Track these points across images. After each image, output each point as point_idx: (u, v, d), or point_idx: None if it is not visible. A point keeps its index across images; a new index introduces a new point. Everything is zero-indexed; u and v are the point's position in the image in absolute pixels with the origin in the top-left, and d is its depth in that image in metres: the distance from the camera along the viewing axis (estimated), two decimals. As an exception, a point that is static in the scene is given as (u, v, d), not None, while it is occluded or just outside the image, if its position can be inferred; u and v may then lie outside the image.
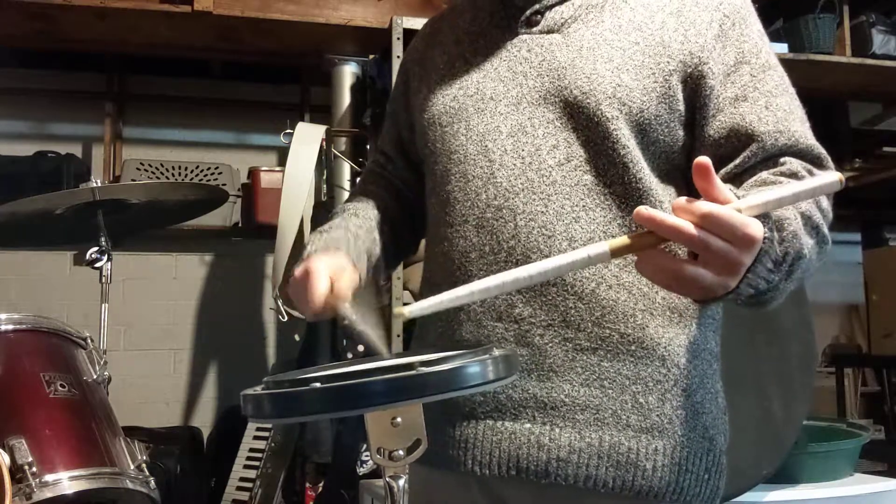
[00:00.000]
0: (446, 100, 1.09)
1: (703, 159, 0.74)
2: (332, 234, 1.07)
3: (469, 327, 1.01)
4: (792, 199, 0.76)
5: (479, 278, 0.99)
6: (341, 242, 1.05)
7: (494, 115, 1.03)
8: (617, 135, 0.97)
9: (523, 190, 0.99)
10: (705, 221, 0.73)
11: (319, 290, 0.95)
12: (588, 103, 0.98)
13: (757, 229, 0.74)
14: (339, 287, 0.97)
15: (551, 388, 0.97)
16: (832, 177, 0.74)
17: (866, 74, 3.22)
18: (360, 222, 1.12)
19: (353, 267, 1.03)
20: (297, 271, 1.00)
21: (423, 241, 1.23)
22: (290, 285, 1.01)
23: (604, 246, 0.75)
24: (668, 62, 0.99)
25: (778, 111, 0.97)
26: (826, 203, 0.92)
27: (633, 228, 0.98)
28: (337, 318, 0.95)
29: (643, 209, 0.74)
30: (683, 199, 0.75)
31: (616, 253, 0.75)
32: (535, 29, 1.06)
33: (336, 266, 1.00)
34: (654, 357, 0.97)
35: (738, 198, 0.76)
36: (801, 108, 1.00)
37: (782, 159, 0.95)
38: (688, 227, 0.73)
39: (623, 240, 0.76)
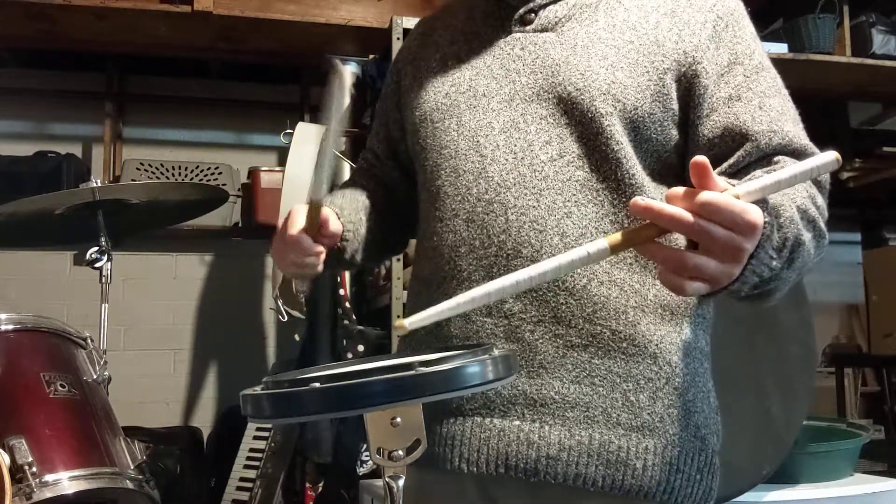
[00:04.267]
0: (438, 96, 1.09)
1: (701, 158, 0.73)
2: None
3: (458, 322, 1.01)
4: (789, 181, 0.75)
5: (469, 273, 1.00)
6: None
7: (487, 112, 1.03)
8: (610, 131, 0.97)
9: (515, 185, 0.99)
10: (704, 209, 0.72)
11: (297, 223, 0.99)
12: (582, 99, 0.98)
13: (757, 214, 0.74)
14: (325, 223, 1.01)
15: (541, 384, 0.97)
16: (829, 156, 0.74)
17: (866, 74, 3.22)
18: (345, 203, 1.14)
19: (336, 216, 1.06)
20: (279, 226, 1.03)
21: (412, 241, 1.24)
22: (273, 242, 1.04)
23: (602, 243, 0.75)
24: (663, 61, 0.99)
25: (771, 111, 0.97)
26: (821, 200, 0.93)
27: (626, 225, 0.99)
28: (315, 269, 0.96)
29: (639, 199, 0.74)
30: (680, 188, 0.75)
31: (615, 248, 0.75)
32: (528, 27, 1.06)
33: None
34: (646, 354, 0.97)
35: (734, 186, 0.76)
36: (795, 109, 1.01)
37: (776, 158, 0.95)
38: (686, 215, 0.73)
39: (620, 235, 0.75)
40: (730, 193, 0.74)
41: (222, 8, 2.85)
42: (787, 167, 0.76)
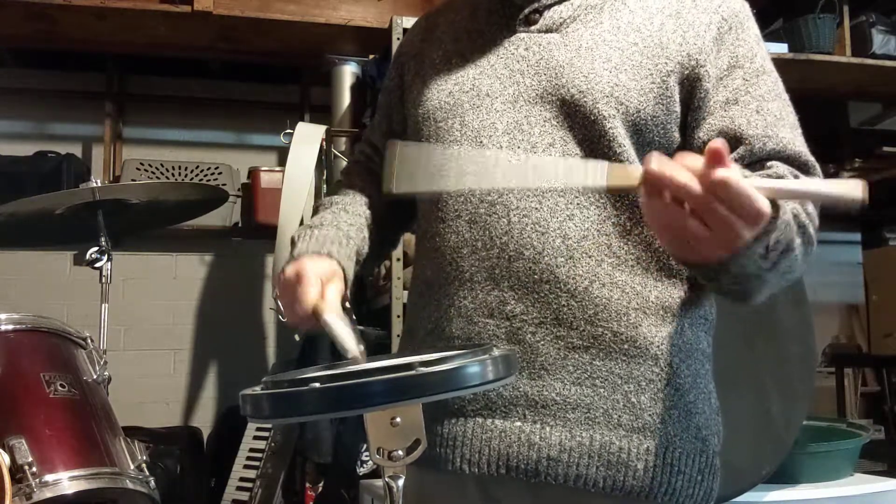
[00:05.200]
0: (441, 95, 1.08)
1: (718, 145, 0.72)
2: (322, 232, 1.07)
3: (459, 324, 1.01)
4: (804, 195, 0.74)
5: (472, 274, 1.00)
6: (333, 244, 1.06)
7: (490, 112, 1.03)
8: (613, 133, 0.97)
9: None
10: (717, 186, 0.71)
11: (310, 296, 0.95)
12: (585, 102, 0.98)
13: (766, 206, 0.73)
14: (329, 296, 0.97)
15: (542, 386, 0.96)
16: (856, 192, 0.69)
17: (866, 74, 3.22)
18: (351, 220, 1.12)
19: (343, 273, 1.03)
20: (288, 271, 0.99)
21: (407, 237, 1.22)
22: (280, 285, 1.01)
23: (603, 175, 0.75)
24: (666, 63, 0.99)
25: (768, 116, 0.97)
26: (812, 207, 0.92)
27: (629, 227, 0.99)
28: (325, 330, 0.95)
29: (654, 164, 0.73)
30: (699, 159, 0.73)
31: (612, 188, 0.75)
32: (533, 28, 1.05)
33: (327, 273, 1.00)
34: (647, 356, 0.97)
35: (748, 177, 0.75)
36: (794, 114, 1.00)
37: (769, 163, 0.95)
38: (696, 187, 0.72)
39: (617, 169, 0.75)
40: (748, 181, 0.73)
41: (222, 8, 2.86)
42: (807, 180, 0.75)
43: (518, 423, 0.97)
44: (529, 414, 0.97)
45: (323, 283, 0.98)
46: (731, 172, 0.72)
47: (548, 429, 0.96)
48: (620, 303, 0.97)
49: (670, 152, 1.00)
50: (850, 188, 0.69)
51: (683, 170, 0.73)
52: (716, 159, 0.72)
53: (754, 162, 0.95)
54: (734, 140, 0.96)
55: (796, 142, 0.97)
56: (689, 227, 0.74)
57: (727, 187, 0.71)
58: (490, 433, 0.98)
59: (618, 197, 0.98)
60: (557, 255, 0.96)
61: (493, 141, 1.02)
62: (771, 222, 0.77)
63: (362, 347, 0.89)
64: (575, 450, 0.95)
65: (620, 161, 0.97)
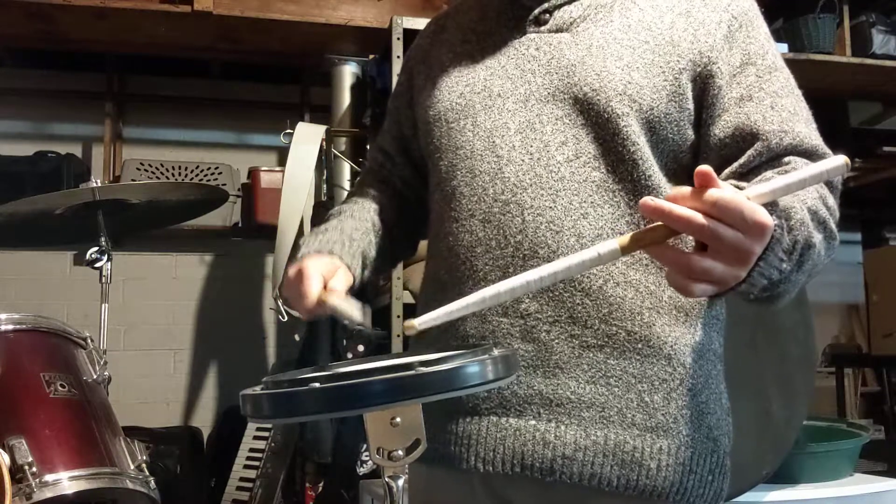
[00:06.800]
0: (453, 96, 1.08)
1: (705, 167, 0.73)
2: (326, 236, 1.08)
3: (474, 322, 1.01)
4: (799, 184, 0.75)
5: (485, 273, 1.00)
6: (335, 245, 1.06)
7: (502, 112, 1.03)
8: (627, 131, 0.97)
9: (531, 185, 0.99)
10: (714, 209, 0.72)
11: (313, 288, 0.96)
12: (598, 100, 0.98)
13: (766, 216, 0.74)
14: (333, 285, 0.99)
15: (557, 384, 0.97)
16: (838, 160, 0.73)
17: (866, 74, 3.23)
18: (356, 224, 1.13)
19: (347, 268, 1.04)
20: (291, 271, 1.01)
21: (422, 241, 1.23)
22: (285, 285, 1.02)
23: (612, 244, 0.75)
24: (678, 61, 0.99)
25: (783, 111, 0.97)
26: (832, 201, 0.92)
27: (642, 226, 0.98)
28: (332, 314, 0.95)
29: (649, 200, 0.73)
30: (686, 188, 0.74)
31: (626, 249, 0.75)
32: (543, 28, 1.06)
33: (329, 267, 1.01)
34: (661, 356, 0.97)
35: (741, 189, 0.75)
36: (808, 109, 1.00)
37: (786, 158, 0.94)
38: (696, 216, 0.72)
39: (630, 236, 0.75)
40: (741, 195, 0.73)
41: (222, 8, 2.85)
42: (797, 170, 0.76)
43: (533, 422, 0.97)
44: (544, 412, 0.97)
45: (325, 278, 0.99)
46: (723, 192, 0.72)
47: (563, 427, 0.96)
48: (634, 302, 0.97)
49: (684, 150, 1.01)
50: (835, 161, 0.74)
51: (677, 205, 0.73)
52: (705, 181, 0.72)
53: (772, 158, 0.95)
54: (750, 136, 0.96)
55: (812, 136, 0.97)
56: (698, 265, 0.74)
57: (725, 204, 0.72)
58: (504, 432, 0.98)
59: (632, 196, 0.98)
60: (571, 253, 0.96)
61: (506, 141, 1.02)
62: (777, 228, 0.77)
63: (368, 322, 0.91)
64: (590, 448, 0.95)
65: (634, 159, 0.98)
